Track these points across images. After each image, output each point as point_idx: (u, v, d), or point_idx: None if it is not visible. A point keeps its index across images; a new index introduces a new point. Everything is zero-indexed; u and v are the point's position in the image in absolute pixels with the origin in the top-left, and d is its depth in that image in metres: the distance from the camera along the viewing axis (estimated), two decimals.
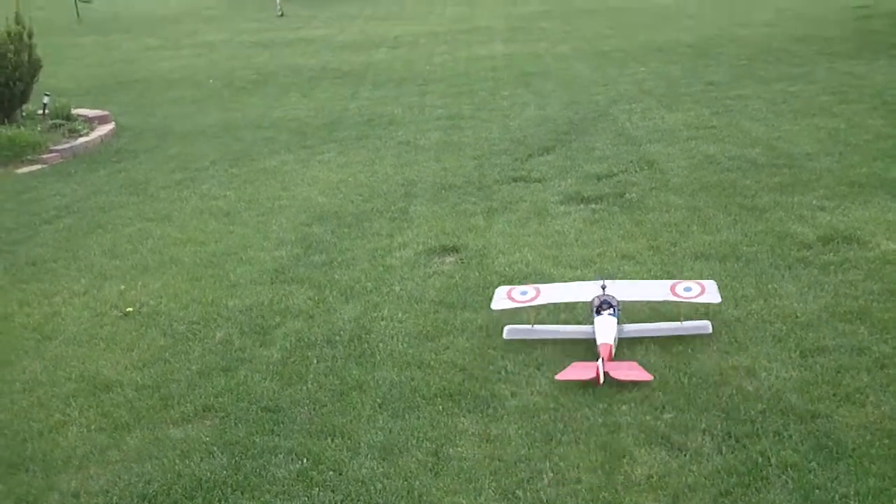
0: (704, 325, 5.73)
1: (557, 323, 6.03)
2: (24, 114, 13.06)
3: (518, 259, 7.12)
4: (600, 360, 5.25)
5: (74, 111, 13.61)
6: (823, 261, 6.67)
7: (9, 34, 12.76)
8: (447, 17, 26.17)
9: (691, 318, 5.78)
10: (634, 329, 5.78)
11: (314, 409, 5.19)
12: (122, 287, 7.17)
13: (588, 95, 13.62)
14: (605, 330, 5.51)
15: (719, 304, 5.82)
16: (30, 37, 13.11)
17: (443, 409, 5.09)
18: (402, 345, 5.86)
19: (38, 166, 11.38)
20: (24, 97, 13.02)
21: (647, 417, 4.85)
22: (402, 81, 16.19)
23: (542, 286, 6.19)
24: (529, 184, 9.14)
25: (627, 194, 8.53)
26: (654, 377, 5.19)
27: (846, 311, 5.86)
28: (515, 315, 6.00)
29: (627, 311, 5.90)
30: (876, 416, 4.72)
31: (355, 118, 13.19)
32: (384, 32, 23.43)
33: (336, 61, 19.06)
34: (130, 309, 6.72)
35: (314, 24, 26.49)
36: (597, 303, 5.77)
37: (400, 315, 6.29)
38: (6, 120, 12.57)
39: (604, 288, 5.87)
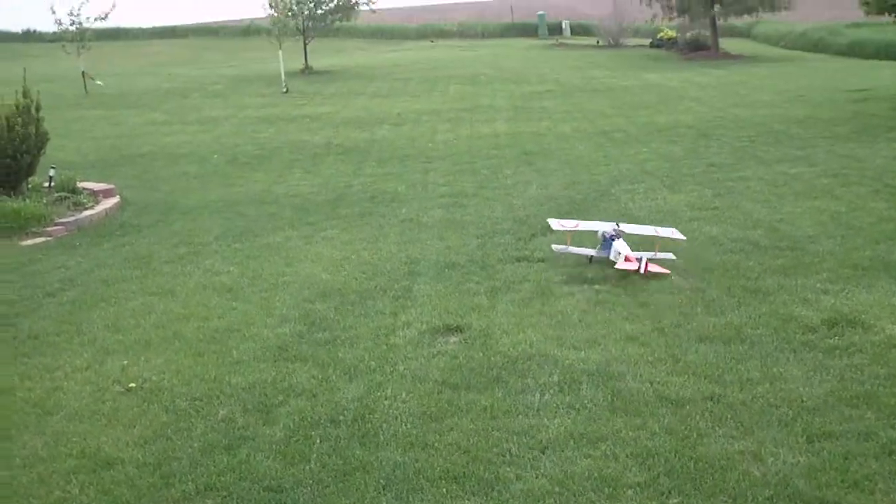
0: (670, 255, 8.86)
1: None
2: (29, 186, 13.12)
3: (522, 339, 7.10)
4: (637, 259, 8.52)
5: (80, 184, 13.71)
6: (828, 344, 6.67)
7: (17, 107, 12.90)
8: (450, 96, 26.49)
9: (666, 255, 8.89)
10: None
11: (317, 490, 5.13)
12: (125, 362, 7.14)
13: (590, 175, 13.74)
14: (625, 247, 8.65)
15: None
16: (37, 110, 13.25)
17: (447, 491, 5.04)
18: (406, 425, 5.82)
19: (43, 239, 11.43)
20: (30, 170, 13.10)
21: (654, 503, 4.81)
22: (406, 158, 16.33)
23: (579, 221, 9.69)
24: (532, 263, 9.16)
25: (631, 275, 8.54)
26: (660, 461, 5.17)
27: (852, 395, 5.84)
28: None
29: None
30: (885, 503, 4.67)
31: (359, 195, 13.27)
32: (387, 109, 23.70)
33: (339, 138, 19.25)
34: (133, 384, 6.68)
35: (318, 100, 26.79)
36: (611, 233, 8.89)
37: (404, 395, 6.26)
38: (12, 192, 12.64)
39: (618, 224, 9.17)
